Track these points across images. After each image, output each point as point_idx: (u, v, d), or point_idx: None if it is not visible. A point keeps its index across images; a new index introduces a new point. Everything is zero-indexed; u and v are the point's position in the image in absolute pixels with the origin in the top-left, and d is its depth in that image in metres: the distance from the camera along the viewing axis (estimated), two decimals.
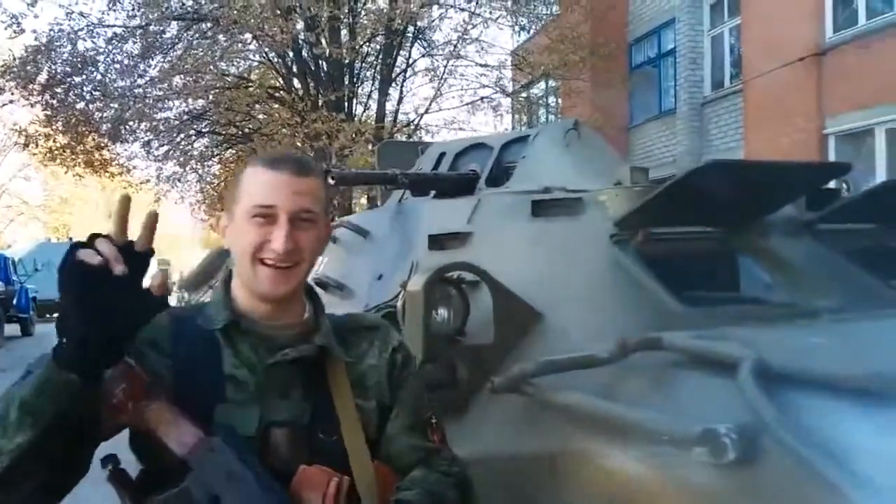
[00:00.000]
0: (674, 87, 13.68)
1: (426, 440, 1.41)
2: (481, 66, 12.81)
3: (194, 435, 1.13)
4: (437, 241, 2.63)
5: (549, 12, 13.47)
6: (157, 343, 1.27)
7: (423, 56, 13.14)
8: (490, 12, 12.54)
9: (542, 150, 3.59)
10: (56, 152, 13.13)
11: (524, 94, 14.53)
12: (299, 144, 12.66)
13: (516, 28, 13.95)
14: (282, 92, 13.25)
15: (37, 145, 13.05)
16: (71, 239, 29.02)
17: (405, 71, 13.12)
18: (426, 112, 12.78)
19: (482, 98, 12.87)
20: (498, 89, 13.07)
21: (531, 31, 13.77)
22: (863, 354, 1.54)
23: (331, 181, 3.52)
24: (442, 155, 4.06)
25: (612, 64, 13.33)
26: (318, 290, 3.15)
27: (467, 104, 12.93)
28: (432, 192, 3.75)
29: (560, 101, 15.11)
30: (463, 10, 12.45)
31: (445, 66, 12.38)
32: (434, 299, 2.04)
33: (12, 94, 12.01)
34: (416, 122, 12.89)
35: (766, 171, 2.23)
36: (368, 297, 2.76)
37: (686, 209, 2.34)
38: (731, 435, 1.32)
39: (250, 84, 13.09)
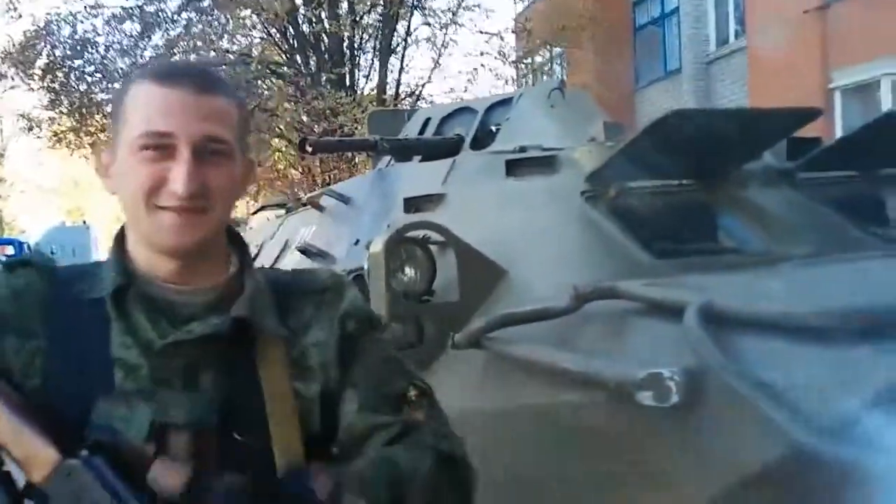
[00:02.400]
0: (678, 47, 13.47)
1: (402, 415, 1.02)
2: (481, 33, 12.67)
3: (47, 456, 0.87)
4: (412, 204, 2.62)
5: None
6: (23, 322, 0.98)
7: (424, 24, 13.00)
8: None
9: (525, 112, 3.56)
10: (61, 135, 13.20)
11: (526, 62, 14.36)
12: (304, 119, 12.64)
13: None
14: (283, 67, 13.18)
15: (41, 129, 13.15)
16: (85, 223, 29.38)
17: (405, 40, 13.00)
18: (427, 82, 12.68)
19: (483, 65, 12.74)
20: (499, 57, 12.93)
21: None
22: (818, 294, 1.52)
23: (308, 149, 3.52)
24: (427, 120, 4.04)
25: (614, 27, 13.13)
26: (302, 257, 3.26)
27: (468, 72, 12.80)
28: (418, 158, 3.75)
29: (565, 67, 14.93)
30: None
31: (445, 34, 12.26)
32: (400, 259, 2.03)
33: (13, 79, 12.09)
34: (417, 93, 12.79)
35: (733, 118, 2.20)
36: (347, 262, 2.76)
37: (658, 162, 2.31)
38: (675, 378, 1.32)
39: (251, 60, 13.03)
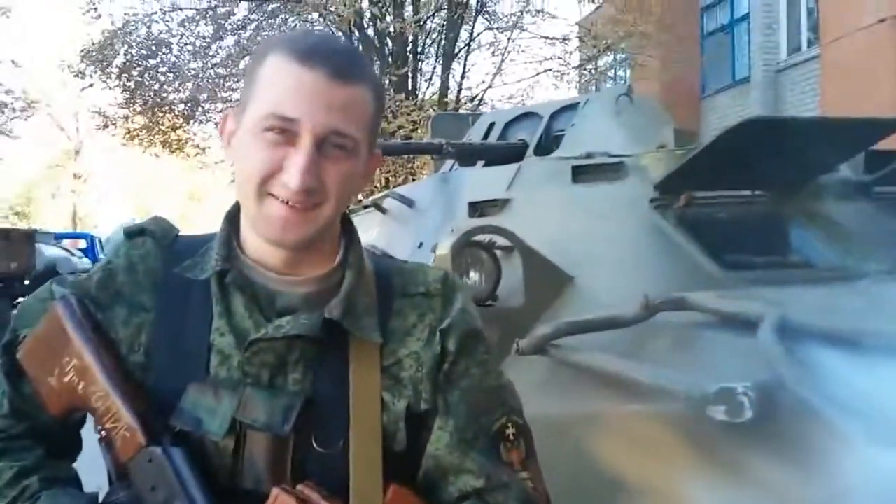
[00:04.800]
0: (748, 55, 13.16)
1: (492, 461, 0.93)
2: (545, 38, 12.62)
3: (134, 436, 0.87)
4: (477, 208, 2.63)
5: None
6: (134, 294, 0.96)
7: (487, 29, 13.02)
8: None
9: (591, 118, 3.53)
10: (134, 132, 13.66)
11: (590, 67, 14.24)
12: None
13: None
14: None
15: (115, 126, 13.65)
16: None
17: (468, 45, 13.05)
18: (489, 87, 12.69)
19: (546, 71, 12.69)
20: (562, 62, 12.86)
21: (597, 2, 13.44)
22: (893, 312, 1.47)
23: (376, 151, 3.56)
24: (491, 125, 4.04)
25: (682, 33, 12.91)
26: None
27: (531, 78, 12.77)
28: (481, 163, 3.75)
29: (630, 73, 14.75)
30: None
31: (509, 39, 12.25)
32: (465, 263, 2.04)
33: (91, 77, 12.56)
34: (479, 98, 12.81)
35: (811, 127, 2.13)
36: None
37: (730, 171, 2.27)
38: (749, 393, 1.29)
39: None
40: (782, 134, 2.08)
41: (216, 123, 13.87)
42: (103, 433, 0.90)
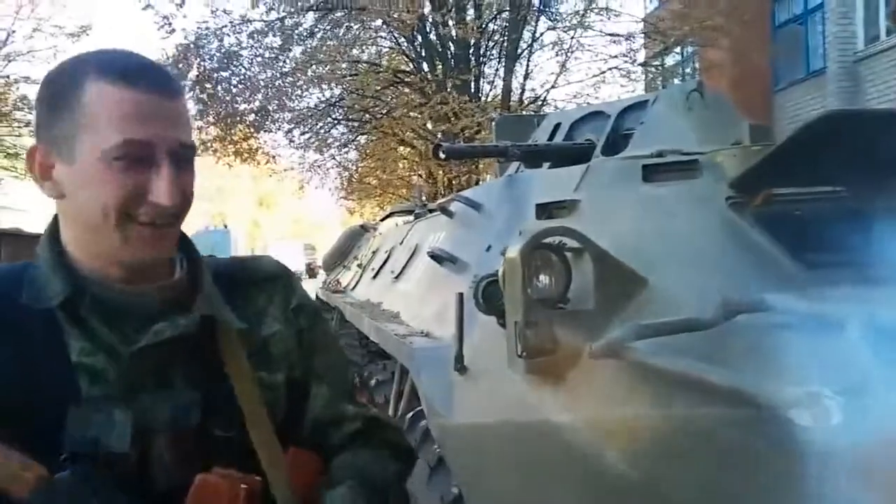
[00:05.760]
0: (823, 45, 12.69)
1: (359, 407, 1.12)
2: (609, 35, 12.44)
3: (27, 472, 0.82)
4: (545, 210, 2.61)
5: None
6: None
7: (550, 29, 12.91)
8: None
9: (661, 115, 3.46)
10: (208, 143, 14.08)
11: (656, 64, 13.96)
12: (430, 126, 12.88)
13: None
14: (411, 76, 13.48)
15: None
16: (226, 227, 31.13)
17: (531, 46, 12.96)
18: (553, 87, 12.59)
19: (611, 69, 12.50)
20: (627, 59, 12.65)
21: None
22: None
23: (441, 155, 3.57)
24: (557, 125, 4.01)
25: (753, 25, 12.53)
26: (433, 262, 3.31)
27: (595, 76, 12.60)
28: (547, 164, 3.72)
29: (697, 68, 14.41)
30: None
31: (572, 38, 12.12)
32: (535, 266, 2.02)
33: None
34: (542, 98, 12.72)
35: (894, 120, 2.04)
36: (478, 268, 2.78)
37: (810, 167, 2.19)
38: (836, 398, 1.24)
39: (381, 69, 13.41)
40: (863, 127, 2.00)
41: (286, 132, 14.23)
42: None
